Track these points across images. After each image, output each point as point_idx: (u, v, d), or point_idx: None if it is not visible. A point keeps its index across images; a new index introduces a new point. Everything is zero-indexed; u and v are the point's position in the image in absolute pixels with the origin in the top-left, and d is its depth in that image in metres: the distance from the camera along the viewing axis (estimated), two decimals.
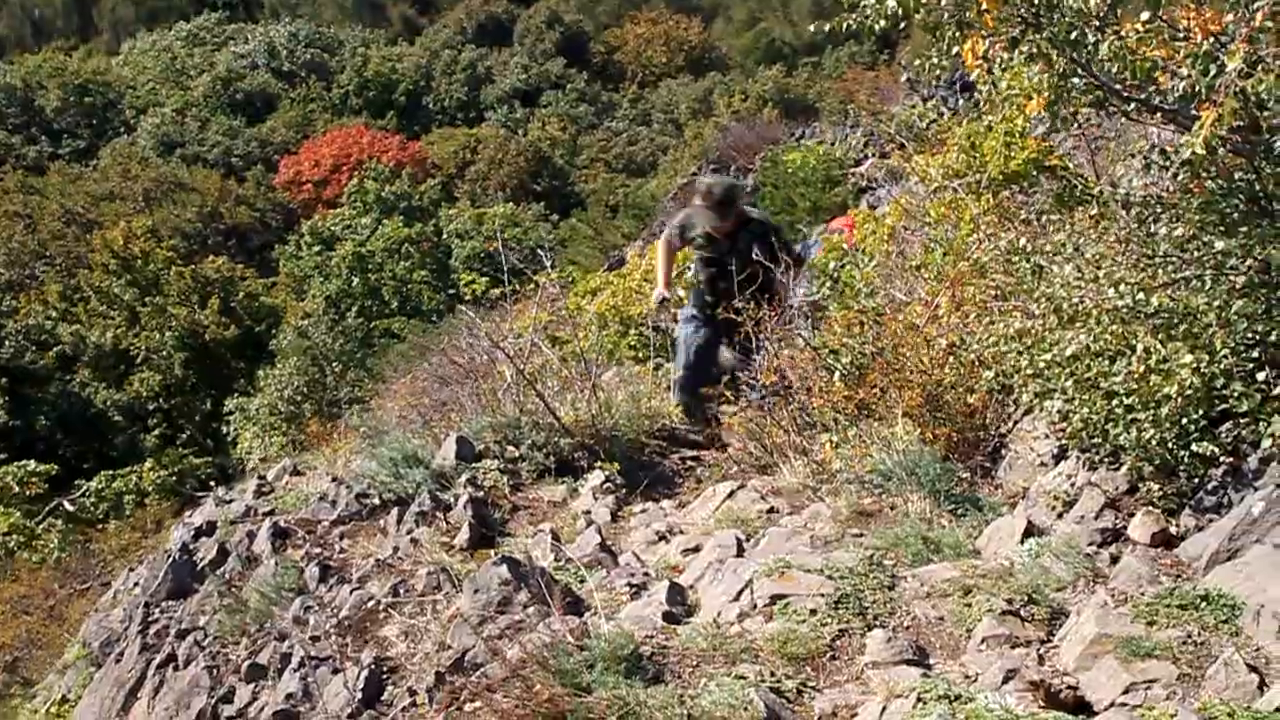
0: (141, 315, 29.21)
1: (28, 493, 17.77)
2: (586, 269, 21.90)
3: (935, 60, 4.82)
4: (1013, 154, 7.15)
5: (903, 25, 4.44)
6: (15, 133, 53.43)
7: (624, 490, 6.09)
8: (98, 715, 5.64)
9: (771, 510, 5.40)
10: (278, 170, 50.03)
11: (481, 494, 5.79)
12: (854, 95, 31.28)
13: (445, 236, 39.12)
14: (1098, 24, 4.05)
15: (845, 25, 4.54)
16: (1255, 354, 4.21)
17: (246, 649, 4.96)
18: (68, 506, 18.33)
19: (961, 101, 11.87)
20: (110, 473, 20.22)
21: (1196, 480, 4.47)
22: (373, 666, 4.06)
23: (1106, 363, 4.53)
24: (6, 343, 27.80)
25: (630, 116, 60.67)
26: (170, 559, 6.24)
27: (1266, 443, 4.12)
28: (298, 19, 66.33)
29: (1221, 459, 4.34)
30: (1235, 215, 4.16)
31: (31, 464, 18.47)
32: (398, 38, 68.32)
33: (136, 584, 6.80)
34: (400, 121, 57.24)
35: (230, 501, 6.88)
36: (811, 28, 4.98)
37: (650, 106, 61.15)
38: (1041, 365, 4.78)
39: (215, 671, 4.90)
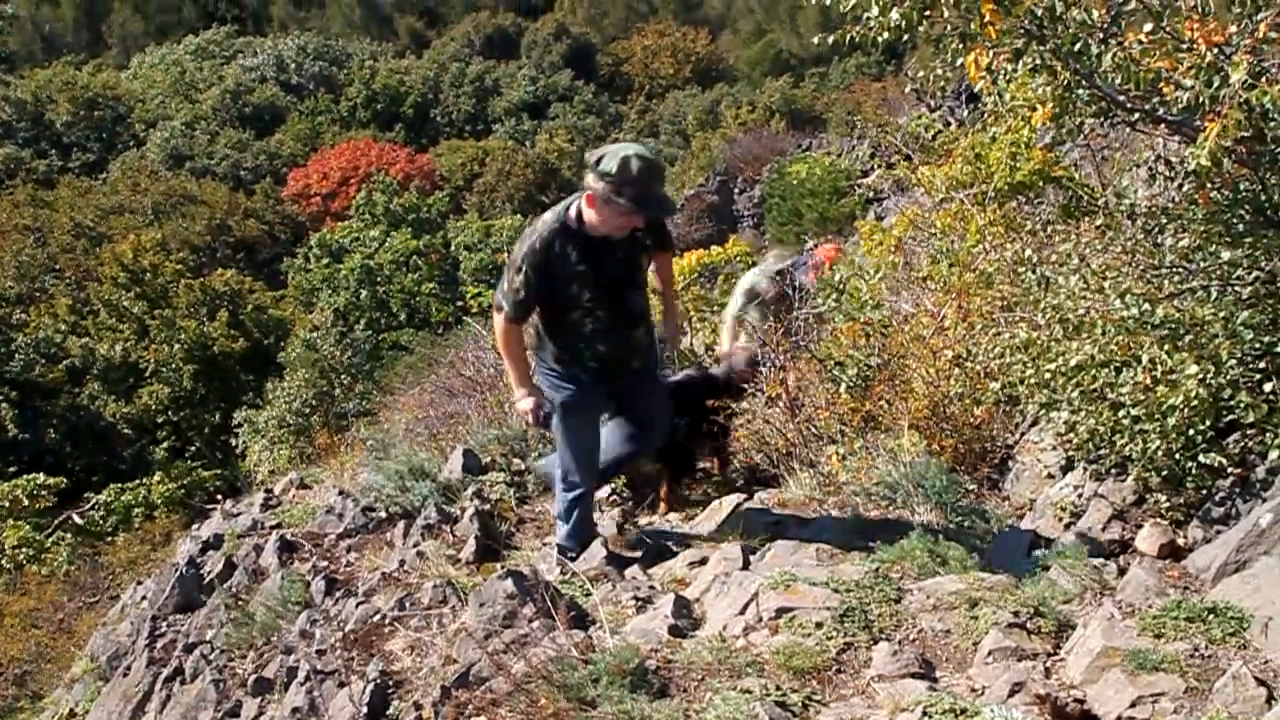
0: (150, 328, 29.32)
1: (37, 506, 17.82)
2: None
3: (940, 72, 4.84)
4: (1018, 165, 7.14)
5: (906, 37, 4.45)
6: (25, 146, 53.69)
7: (630, 503, 6.08)
8: None
9: (778, 523, 5.39)
10: (286, 183, 50.20)
11: (488, 507, 5.79)
12: (861, 106, 31.31)
13: (453, 248, 39.22)
14: (1101, 35, 4.05)
15: (849, 38, 4.55)
16: (1262, 364, 4.21)
17: (253, 663, 4.96)
18: (76, 520, 18.37)
19: (967, 112, 11.86)
20: (119, 486, 20.23)
21: (1204, 491, 4.46)
22: (378, 680, 4.05)
23: (1113, 373, 4.52)
24: (16, 356, 27.86)
25: (638, 128, 60.73)
26: (177, 572, 6.24)
27: (1274, 454, 4.12)
28: (306, 32, 66.61)
29: (1229, 470, 4.33)
30: (1241, 226, 4.16)
31: (41, 477, 18.53)
32: (405, 50, 68.58)
33: (144, 597, 6.80)
34: (408, 134, 57.45)
35: (237, 515, 6.88)
36: (816, 40, 4.99)
37: (658, 118, 61.25)
38: (1047, 376, 4.77)
39: (222, 685, 4.90)
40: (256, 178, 51.98)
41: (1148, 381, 4.34)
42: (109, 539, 17.65)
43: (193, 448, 27.70)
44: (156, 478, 20.79)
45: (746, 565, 4.61)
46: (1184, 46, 3.84)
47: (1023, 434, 5.73)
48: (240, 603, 5.49)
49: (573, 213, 4.59)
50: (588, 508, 5.27)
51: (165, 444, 28.01)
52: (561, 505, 5.22)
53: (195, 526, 7.63)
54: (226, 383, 28.97)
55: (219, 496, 7.63)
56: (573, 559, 5.08)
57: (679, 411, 5.61)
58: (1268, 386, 4.13)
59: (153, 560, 13.20)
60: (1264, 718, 2.84)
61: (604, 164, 4.34)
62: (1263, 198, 4.09)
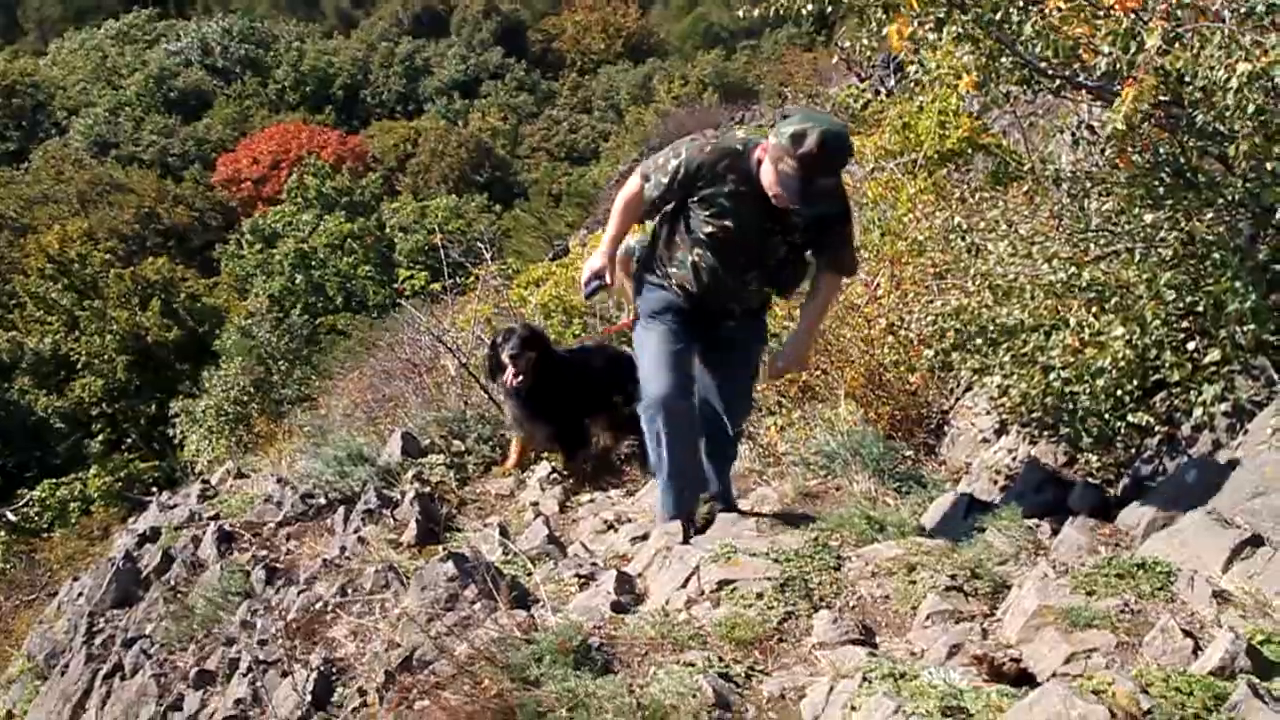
0: (81, 320, 28.80)
1: None
2: (531, 259, 21.85)
3: (867, 42, 4.86)
4: (947, 133, 7.21)
5: (829, 9, 4.47)
6: None
7: (571, 480, 6.08)
8: None
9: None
10: (216, 169, 49.42)
11: (428, 490, 5.76)
12: (793, 77, 31.39)
13: (388, 230, 38.87)
14: (1022, 4, 4.09)
15: (774, 10, 4.56)
16: (1185, 324, 4.29)
17: (194, 655, 4.90)
18: (10, 517, 18.06)
19: (895, 82, 11.94)
20: (54, 481, 19.93)
21: (1133, 450, 4.55)
22: (322, 668, 4.02)
23: (1042, 337, 4.59)
24: None
25: (571, 104, 60.58)
26: (114, 567, 6.14)
27: (1198, 411, 4.21)
28: (231, 14, 65.40)
29: (1156, 428, 4.42)
30: (1162, 189, 4.23)
31: None
32: (333, 31, 67.68)
33: (81, 594, 6.68)
34: (339, 116, 56.79)
35: (174, 507, 6.78)
36: (740, 12, 4.99)
37: (591, 94, 61.09)
38: (979, 342, 4.83)
39: (163, 679, 4.83)
40: (185, 164, 51.12)
41: (1076, 344, 4.41)
42: (45, 535, 17.38)
43: (129, 440, 27.30)
44: (93, 471, 20.54)
45: (688, 539, 4.63)
46: (1101, 13, 3.89)
47: (957, 399, 5.81)
48: (179, 595, 5.42)
49: (759, 150, 4.15)
50: (682, 451, 4.57)
51: (100, 437, 27.59)
52: (649, 442, 4.62)
53: (132, 520, 7.51)
54: (161, 373, 28.57)
55: (154, 488, 7.50)
56: (682, 539, 4.46)
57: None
58: (1191, 345, 4.22)
59: (91, 555, 13.00)
60: (1190, 668, 2.91)
61: (783, 124, 4.01)
62: (1181, 160, 4.16)
